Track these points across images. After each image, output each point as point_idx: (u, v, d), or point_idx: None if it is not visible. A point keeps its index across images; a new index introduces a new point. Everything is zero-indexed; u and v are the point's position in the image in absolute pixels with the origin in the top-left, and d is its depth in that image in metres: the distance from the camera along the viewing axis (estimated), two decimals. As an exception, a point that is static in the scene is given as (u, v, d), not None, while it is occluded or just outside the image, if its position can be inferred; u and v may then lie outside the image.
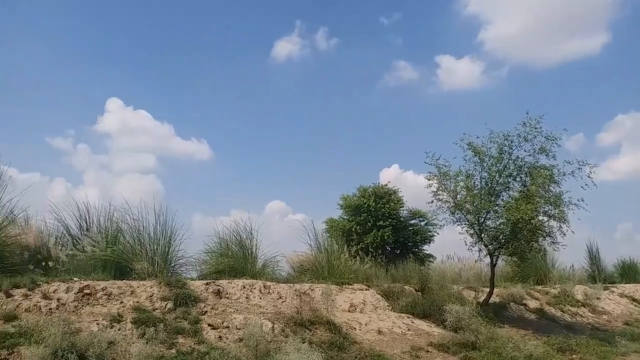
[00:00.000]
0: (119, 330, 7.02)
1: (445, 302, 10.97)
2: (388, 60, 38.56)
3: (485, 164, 12.71)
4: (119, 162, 34.02)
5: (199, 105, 36.12)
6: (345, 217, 19.38)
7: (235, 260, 11.88)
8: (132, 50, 34.88)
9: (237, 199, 35.69)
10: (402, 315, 10.92)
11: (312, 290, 10.50)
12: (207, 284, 9.23)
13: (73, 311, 7.24)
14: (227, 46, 36.57)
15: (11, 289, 7.20)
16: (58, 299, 7.34)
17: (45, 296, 7.29)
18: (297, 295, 10.01)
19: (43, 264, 9.71)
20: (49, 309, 7.10)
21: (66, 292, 7.53)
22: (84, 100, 33.04)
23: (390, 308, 11.24)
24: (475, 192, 12.63)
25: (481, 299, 13.21)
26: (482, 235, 12.98)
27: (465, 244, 13.17)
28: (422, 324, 10.62)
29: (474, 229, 12.98)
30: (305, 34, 36.97)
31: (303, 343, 7.34)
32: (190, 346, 7.14)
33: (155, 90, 35.38)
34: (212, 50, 36.37)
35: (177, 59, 35.55)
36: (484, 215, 12.81)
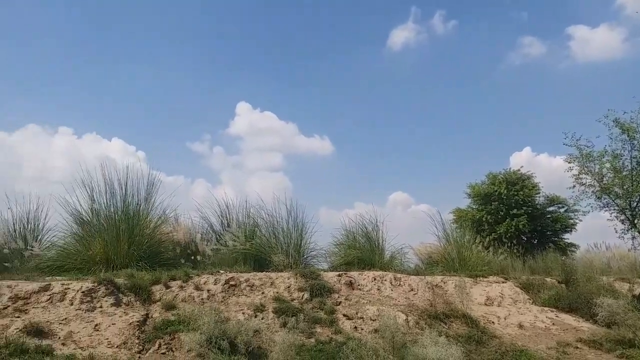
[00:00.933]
0: (262, 319, 7.48)
1: (595, 295, 10.02)
2: (512, 38, 36.15)
3: (635, 142, 11.37)
4: (250, 162, 36.29)
5: (319, 102, 37.12)
6: (474, 207, 18.60)
7: (363, 252, 12.01)
8: (255, 56, 36.89)
9: (360, 192, 36.13)
10: (545, 309, 10.19)
11: (444, 282, 10.24)
12: (339, 275, 9.45)
13: (221, 301, 7.87)
14: (342, 41, 37.01)
15: (169, 281, 8.03)
16: (208, 290, 8.03)
17: (197, 287, 8.03)
18: (429, 287, 9.82)
19: (192, 258, 10.71)
20: (201, 299, 7.81)
21: (214, 284, 8.21)
22: (216, 106, 35.75)
23: (530, 301, 10.55)
24: (624, 173, 11.39)
25: (637, 292, 11.84)
26: (636, 221, 11.62)
27: (616, 232, 11.98)
28: (569, 319, 9.80)
29: (625, 215, 11.70)
30: (421, 19, 36.10)
31: (440, 336, 7.20)
32: (328, 336, 7.37)
33: (279, 92, 37.11)
34: (328, 48, 37.10)
35: (296, 60, 36.86)
36: (637, 200, 11.46)
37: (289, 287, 8.63)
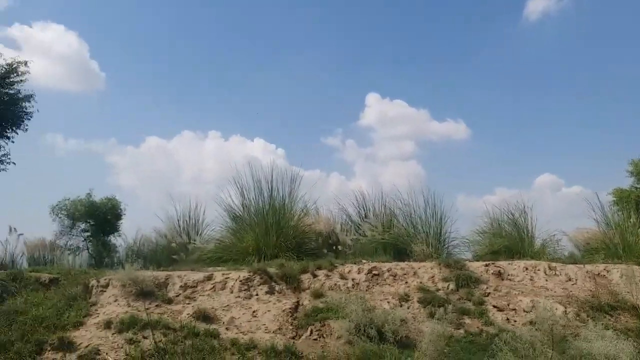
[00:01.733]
0: (407, 308, 7.47)
1: None
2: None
3: None
4: (383, 152, 36.29)
5: (451, 85, 35.66)
6: (638, 186, 16.49)
7: (510, 240, 11.36)
8: (381, 45, 36.71)
9: (501, 176, 34.09)
10: None
11: (607, 271, 9.24)
12: (486, 265, 9.04)
13: (366, 290, 8.01)
14: (471, 16, 35.06)
15: (315, 270, 8.39)
16: (352, 279, 8.23)
17: (342, 276, 8.27)
18: (589, 277, 8.94)
19: (334, 247, 11.08)
20: (347, 287, 8.03)
21: (358, 273, 8.39)
22: (346, 100, 36.35)
23: None
24: None
25: None
26: None
27: None
28: None
29: None
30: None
31: (606, 330, 6.51)
32: (477, 327, 7.11)
33: (407, 79, 36.46)
34: (460, 24, 35.43)
35: (423, 44, 35.87)
36: None
37: (432, 277, 8.48)
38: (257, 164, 11.69)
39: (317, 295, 7.65)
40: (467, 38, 34.66)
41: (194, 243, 11.74)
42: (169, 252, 11.76)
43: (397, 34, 35.85)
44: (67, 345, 6.37)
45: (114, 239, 13.83)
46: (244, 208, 11.57)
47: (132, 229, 13.87)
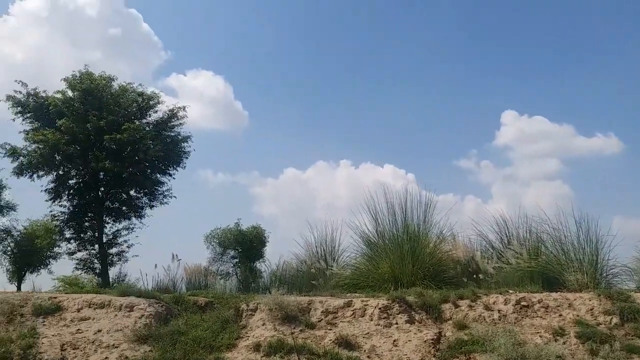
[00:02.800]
0: (563, 344, 6.80)
1: None
2: None
3: None
4: (523, 172, 34.21)
5: (599, 96, 32.58)
6: None
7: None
8: (516, 59, 34.89)
9: (666, 194, 29.98)
10: None
11: None
12: (656, 297, 7.92)
13: (514, 322, 7.48)
14: (624, 14, 31.73)
15: (457, 299, 8.06)
16: (499, 310, 7.74)
17: (487, 307, 7.83)
18: None
19: (474, 276, 10.55)
20: (492, 319, 7.57)
21: (504, 304, 7.87)
22: (479, 120, 35.04)
23: None
24: None
25: None
26: None
27: None
28: None
29: None
30: None
31: None
32: (651, 369, 6.23)
33: (547, 93, 34.14)
34: (605, 24, 32.31)
35: (563, 55, 33.30)
36: None
37: (591, 309, 7.65)
38: (388, 189, 11.72)
39: (461, 326, 7.33)
40: (614, 40, 31.51)
41: (332, 269, 12.03)
42: (309, 278, 12.18)
43: (534, 46, 33.84)
44: (222, 366, 6.89)
45: (259, 265, 14.77)
46: (377, 234, 11.62)
47: (274, 255, 14.73)
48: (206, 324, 8.10)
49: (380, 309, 7.85)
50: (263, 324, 7.88)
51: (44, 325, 8.12)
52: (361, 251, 12.04)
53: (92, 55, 41.07)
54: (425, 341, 7.03)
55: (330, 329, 7.57)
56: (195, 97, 38.72)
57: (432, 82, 36.44)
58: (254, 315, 8.22)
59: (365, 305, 8.03)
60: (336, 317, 7.91)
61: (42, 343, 7.51)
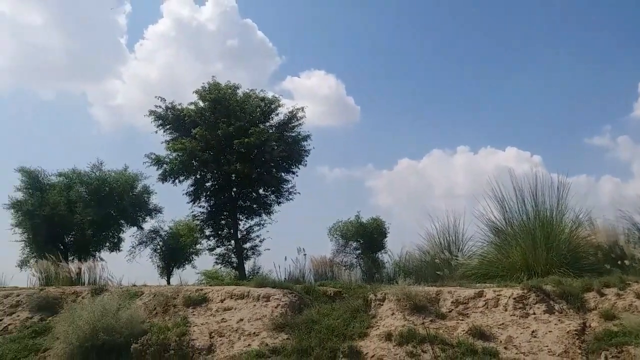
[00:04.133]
0: None
1: None
2: None
3: None
4: (671, 145, 30.15)
5: None
6: None
7: None
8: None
9: None
10: None
11: None
12: None
13: (673, 312, 6.74)
14: None
15: (602, 288, 7.46)
16: (654, 299, 7.03)
17: (638, 296, 7.14)
18: None
19: (618, 262, 9.63)
20: (646, 309, 6.90)
21: (659, 292, 7.13)
22: (611, 92, 31.63)
23: None
24: None
25: None
26: None
27: None
28: None
29: None
30: None
31: None
32: None
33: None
34: None
35: None
36: None
37: None
38: (514, 174, 11.09)
39: (609, 316, 6.77)
40: None
41: (457, 259, 11.74)
42: (433, 268, 12.02)
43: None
44: (355, 354, 7.10)
45: (381, 256, 14.92)
46: (505, 221, 11.08)
47: (394, 246, 14.76)
48: (337, 313, 8.41)
49: (514, 299, 7.54)
50: (392, 314, 7.99)
51: (193, 315, 8.99)
52: (488, 239, 11.58)
53: (214, 67, 44.34)
54: (568, 332, 6.62)
55: (462, 320, 7.45)
56: (309, 97, 40.01)
57: (555, 52, 33.55)
58: (382, 305, 8.36)
59: (498, 295, 7.77)
60: (467, 308, 7.75)
61: (193, 331, 8.34)
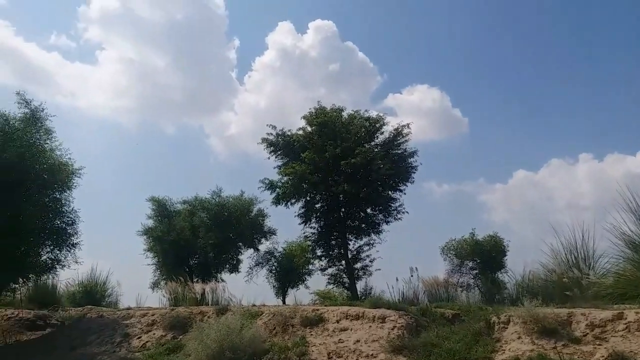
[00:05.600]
0: None
1: None
2: None
3: None
4: None
5: None
6: None
7: None
8: None
9: None
10: None
11: None
12: None
13: None
14: None
15: None
16: None
17: None
18: None
19: None
20: None
21: None
22: None
23: None
24: None
25: None
26: None
27: None
28: None
29: None
30: None
31: None
32: None
33: None
34: None
35: None
36: None
37: None
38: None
39: None
40: None
41: (588, 277, 10.70)
42: (561, 288, 11.06)
43: None
44: (480, 379, 6.77)
45: (501, 276, 14.06)
46: (646, 235, 9.92)
47: (515, 265, 13.85)
48: (457, 336, 8.08)
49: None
50: (519, 337, 7.49)
51: (311, 334, 9.18)
52: (624, 255, 10.42)
53: (318, 91, 45.68)
54: None
55: (600, 344, 6.78)
56: (413, 112, 39.51)
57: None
58: (506, 328, 7.88)
59: (642, 317, 6.96)
60: (605, 331, 7.04)
61: (312, 351, 8.51)
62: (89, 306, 12.80)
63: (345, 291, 17.84)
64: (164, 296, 14.02)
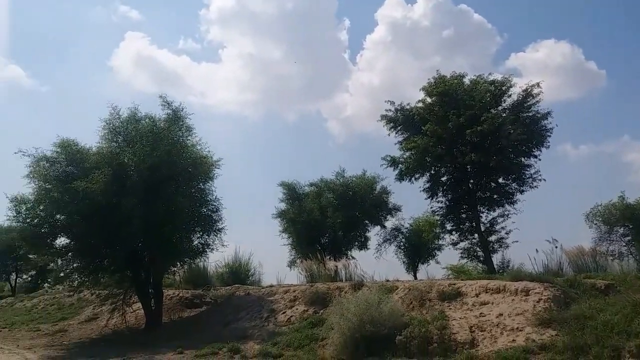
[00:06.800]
0: None
1: None
2: None
3: None
4: None
5: None
6: None
7: None
8: None
9: None
10: None
11: None
12: None
13: None
14: None
15: None
16: None
17: None
18: None
19: None
20: None
21: None
22: None
23: None
24: None
25: None
26: None
27: None
28: None
29: None
30: None
31: None
32: None
33: None
34: None
35: None
36: None
37: None
38: None
39: None
40: None
41: None
42: None
43: None
44: (646, 353, 6.16)
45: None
46: None
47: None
48: (613, 308, 7.43)
49: None
50: (689, 309, 6.67)
51: (449, 309, 9.04)
52: None
53: (433, 61, 44.18)
54: None
55: None
56: (540, 71, 36.37)
57: None
58: (675, 298, 7.06)
59: None
60: None
61: (453, 325, 8.38)
62: (236, 285, 13.92)
63: (480, 265, 17.30)
64: (300, 273, 14.77)
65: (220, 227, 12.88)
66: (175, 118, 12.46)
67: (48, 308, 16.81)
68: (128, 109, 12.36)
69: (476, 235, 16.89)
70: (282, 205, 20.21)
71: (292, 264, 19.57)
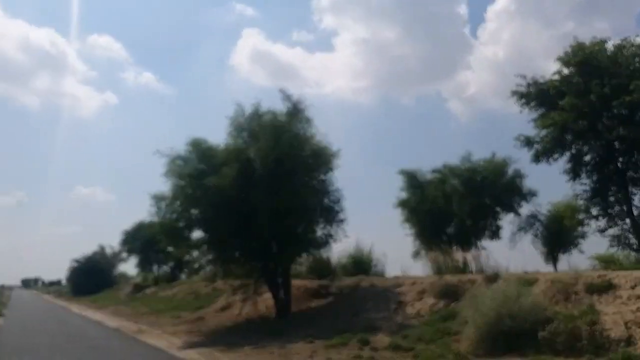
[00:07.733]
0: None
1: None
2: None
3: None
4: None
5: None
6: None
7: None
8: None
9: None
10: None
11: None
12: None
13: None
14: None
15: None
16: None
17: None
18: None
19: None
20: None
21: None
22: None
23: None
24: None
25: None
26: None
27: None
28: None
29: None
30: None
31: None
32: None
33: None
34: None
35: None
36: None
37: None
38: None
39: None
40: None
41: None
42: None
43: None
44: None
45: None
46: None
47: None
48: None
49: None
50: None
51: (599, 303, 8.09)
52: None
53: (566, 27, 40.05)
54: None
55: None
56: None
57: None
58: None
59: None
60: None
61: (605, 320, 7.47)
62: (361, 276, 13.85)
63: (633, 254, 15.26)
64: (426, 264, 14.24)
65: (342, 217, 12.91)
66: (295, 111, 12.67)
67: (187, 297, 18.32)
68: (252, 105, 12.86)
69: (628, 220, 14.87)
70: (403, 194, 19.69)
71: (416, 254, 19.02)
